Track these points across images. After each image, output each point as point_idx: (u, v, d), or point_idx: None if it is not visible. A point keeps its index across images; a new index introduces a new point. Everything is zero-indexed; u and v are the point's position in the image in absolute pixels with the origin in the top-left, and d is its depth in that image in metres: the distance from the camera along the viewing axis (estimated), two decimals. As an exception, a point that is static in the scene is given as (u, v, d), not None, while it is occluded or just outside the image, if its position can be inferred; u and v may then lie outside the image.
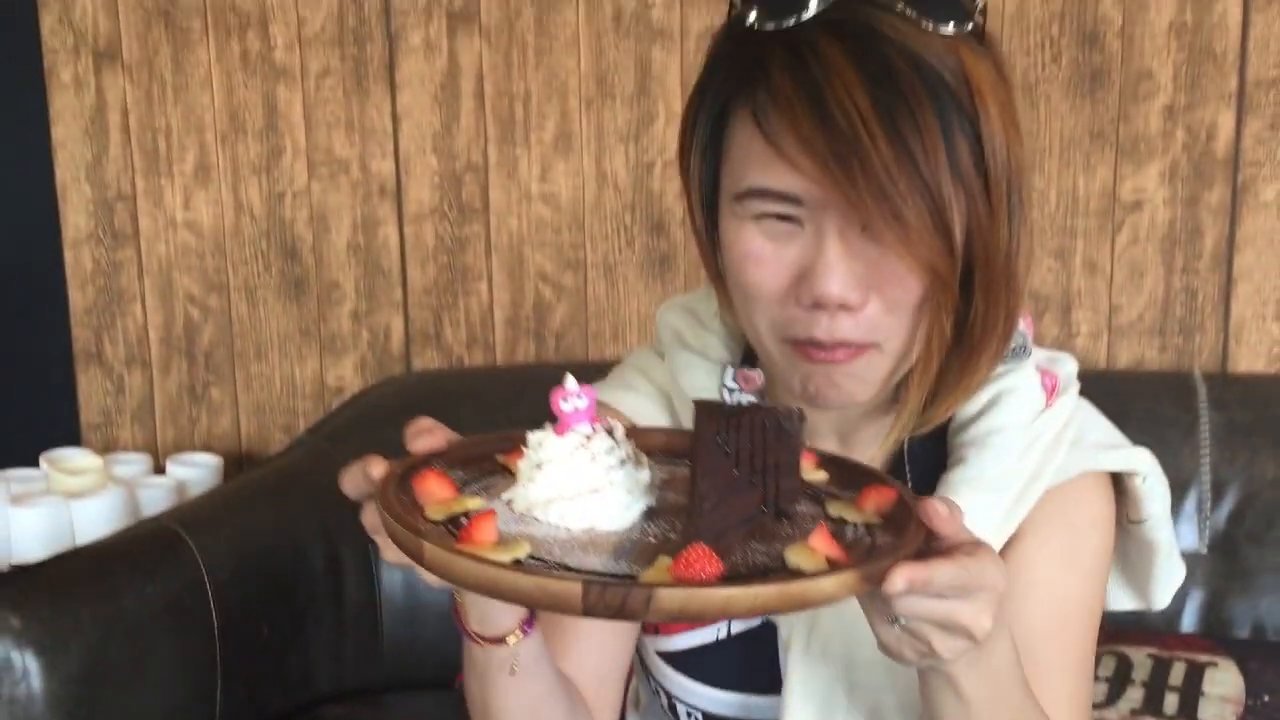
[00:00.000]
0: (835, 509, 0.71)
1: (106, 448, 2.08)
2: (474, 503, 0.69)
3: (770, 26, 0.77)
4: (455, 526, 0.66)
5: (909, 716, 0.85)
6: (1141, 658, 1.27)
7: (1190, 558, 1.45)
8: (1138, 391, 1.55)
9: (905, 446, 0.91)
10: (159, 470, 1.91)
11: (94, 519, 1.63)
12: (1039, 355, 0.91)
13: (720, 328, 0.96)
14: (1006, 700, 0.74)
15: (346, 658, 1.61)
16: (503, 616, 0.79)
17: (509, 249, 1.92)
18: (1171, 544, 0.93)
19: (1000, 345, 0.82)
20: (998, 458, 0.86)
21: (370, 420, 1.74)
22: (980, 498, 0.84)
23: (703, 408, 0.67)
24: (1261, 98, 1.64)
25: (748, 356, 0.95)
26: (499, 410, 1.71)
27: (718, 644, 0.93)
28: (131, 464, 1.86)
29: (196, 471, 1.84)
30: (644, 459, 0.72)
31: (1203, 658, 1.27)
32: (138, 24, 1.97)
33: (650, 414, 0.98)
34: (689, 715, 0.95)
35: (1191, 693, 1.23)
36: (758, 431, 0.67)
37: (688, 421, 0.95)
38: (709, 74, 0.84)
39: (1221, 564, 1.45)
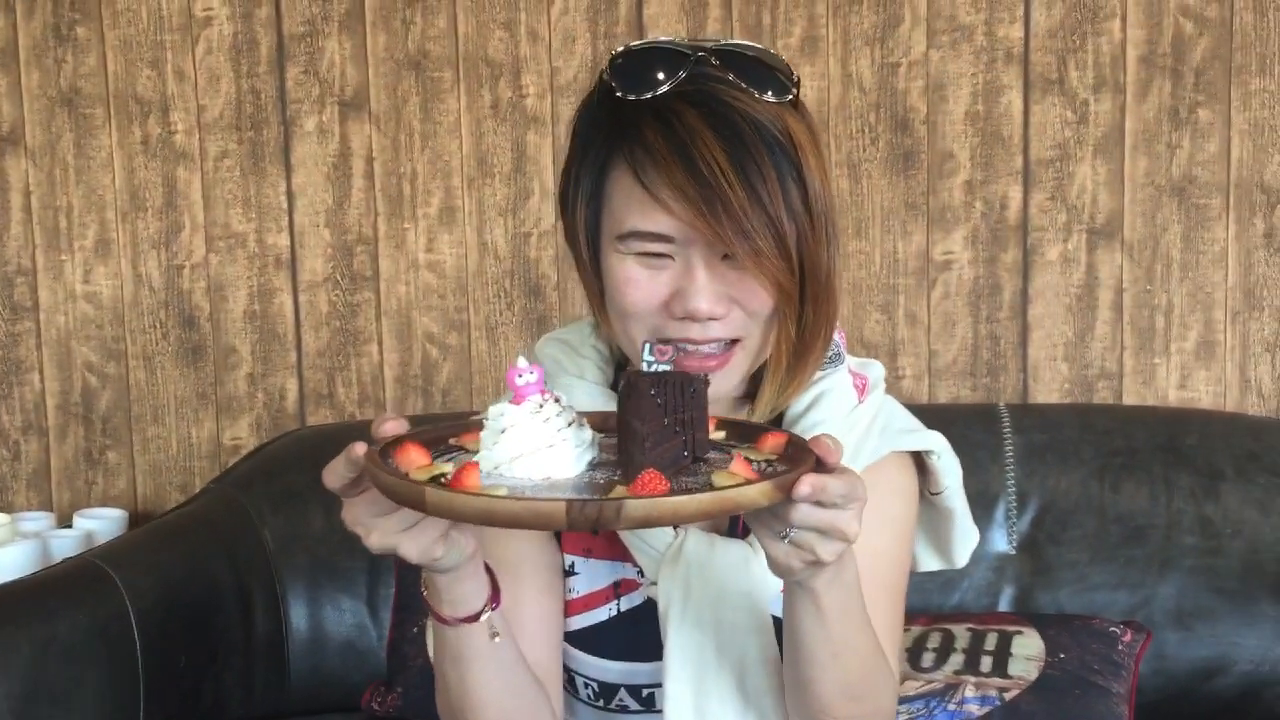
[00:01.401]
0: (740, 452, 0.85)
1: (3, 511, 2.15)
2: (447, 467, 0.80)
3: (637, 96, 0.94)
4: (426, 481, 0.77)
5: (768, 666, 1.02)
6: (961, 631, 1.50)
7: (1001, 558, 1.71)
8: (954, 421, 1.80)
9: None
10: (65, 525, 2.00)
11: (9, 568, 1.72)
12: (851, 362, 1.11)
13: (592, 353, 1.12)
14: (855, 611, 0.93)
15: (256, 686, 1.73)
16: (472, 595, 0.91)
17: (398, 313, 2.09)
18: (965, 512, 1.13)
19: (824, 347, 1.03)
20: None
21: (271, 469, 1.88)
22: None
23: (634, 372, 0.84)
24: (1042, 174, 1.95)
25: (619, 374, 1.12)
26: (393, 458, 1.88)
27: (609, 622, 1.09)
28: (37, 520, 1.95)
29: (103, 524, 1.93)
30: (585, 422, 0.84)
31: (1011, 628, 1.50)
32: (41, 111, 2.11)
33: None
34: (585, 686, 1.10)
35: (1002, 655, 1.46)
36: (678, 390, 0.83)
37: None
38: (587, 135, 0.99)
39: (1028, 562, 1.70)
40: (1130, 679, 1.45)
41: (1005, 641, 1.47)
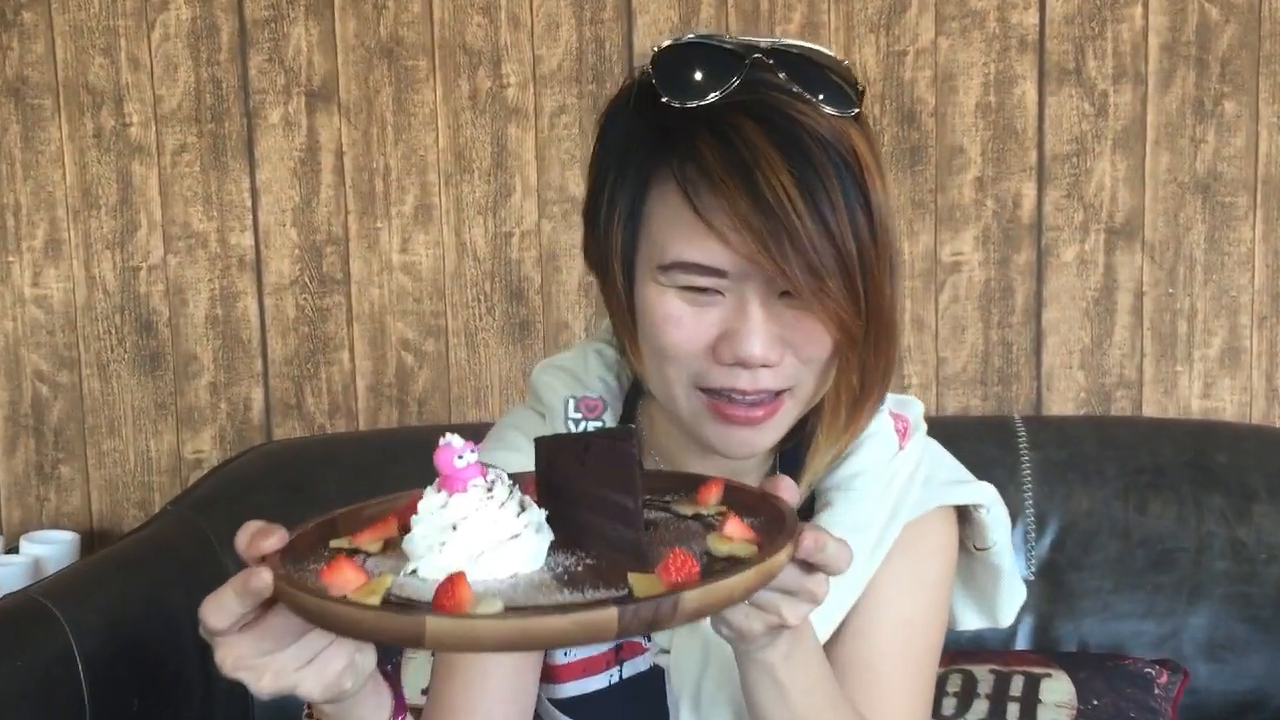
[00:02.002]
0: (683, 507, 0.77)
1: (-53, 531, 2.01)
2: (386, 581, 0.66)
3: (684, 104, 0.82)
4: (402, 605, 0.65)
5: None
6: (984, 673, 1.39)
7: (1019, 584, 1.59)
8: (965, 435, 1.69)
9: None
10: (11, 550, 1.87)
11: (-54, 600, 1.59)
12: (889, 400, 1.00)
13: (599, 385, 1.01)
14: (821, 685, 0.83)
15: (218, 725, 1.60)
16: (372, 715, 0.78)
17: (370, 318, 1.96)
18: (1013, 568, 1.03)
19: (883, 394, 0.92)
20: (861, 500, 0.94)
21: (235, 489, 1.75)
22: (849, 539, 0.91)
23: (600, 439, 0.73)
24: (1057, 170, 1.84)
25: (628, 412, 1.01)
26: (364, 475, 1.75)
27: (608, 689, 0.98)
28: (-20, 544, 1.82)
29: (52, 549, 1.80)
30: (528, 499, 0.73)
31: (1038, 670, 1.39)
32: (-16, 100, 1.97)
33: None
34: None
35: (1030, 701, 1.35)
36: (612, 453, 0.74)
37: None
38: (626, 145, 0.87)
39: (1048, 589, 1.59)
40: (1168, 726, 1.34)
41: (1032, 686, 1.36)
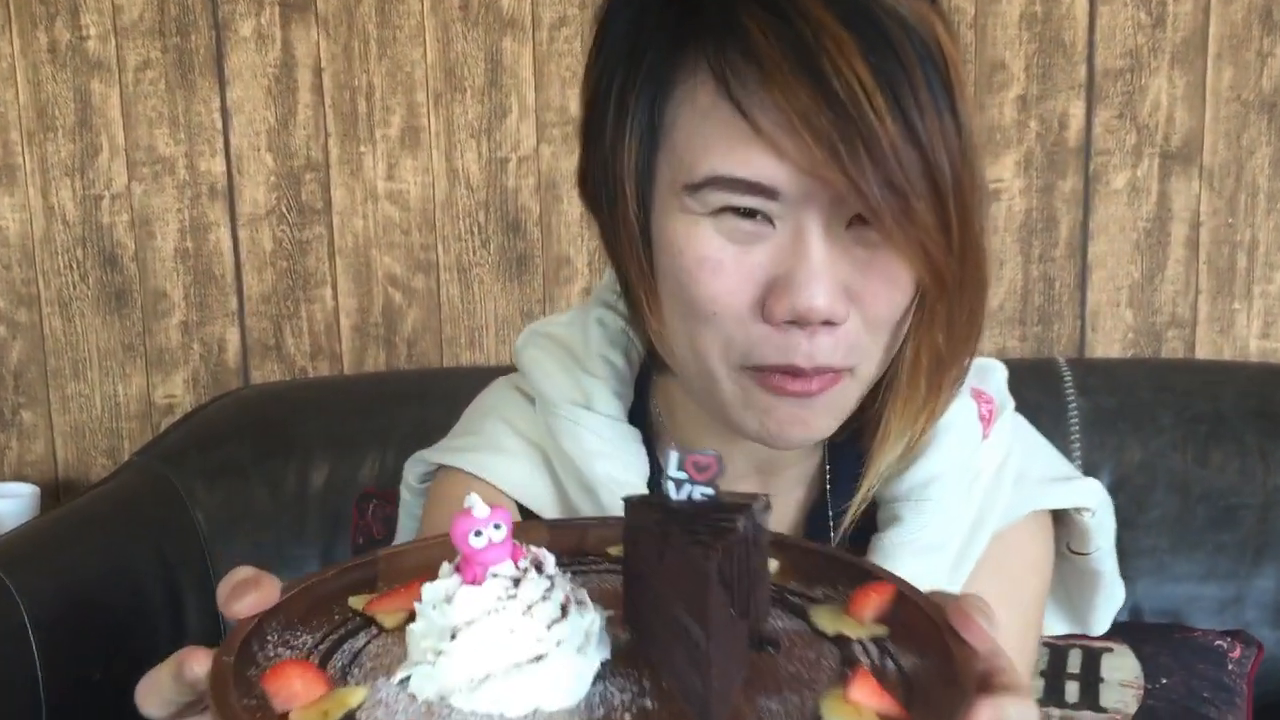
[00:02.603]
0: (825, 620, 0.57)
1: (-99, 482, 1.87)
2: (356, 695, 0.51)
3: None
4: None
5: None
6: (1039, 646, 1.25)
7: (1067, 543, 1.45)
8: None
9: (828, 497, 0.81)
10: (-35, 504, 1.72)
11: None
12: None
13: (603, 367, 0.82)
14: None
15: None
16: None
17: (354, 252, 1.80)
18: (1115, 572, 0.87)
19: (970, 358, 0.73)
20: (936, 512, 0.76)
21: (207, 438, 1.60)
22: (921, 562, 0.75)
23: (680, 535, 0.50)
24: (1109, 87, 1.67)
25: (637, 402, 0.83)
26: (348, 423, 1.61)
27: None
28: (-68, 498, 1.67)
29: (10, 503, 1.66)
30: (582, 593, 0.55)
31: (1098, 644, 1.25)
32: (-73, 11, 1.79)
33: (530, 483, 0.83)
34: None
35: (1091, 680, 1.21)
36: (744, 545, 0.52)
37: (578, 494, 0.81)
38: (639, 30, 0.69)
39: (1096, 548, 1.46)
40: (1245, 706, 1.20)
41: (1093, 662, 1.22)
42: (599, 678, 0.52)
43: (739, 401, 0.70)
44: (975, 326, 0.70)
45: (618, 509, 0.77)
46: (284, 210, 1.80)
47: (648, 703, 0.51)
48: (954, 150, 0.64)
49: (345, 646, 0.55)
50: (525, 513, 0.84)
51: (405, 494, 0.93)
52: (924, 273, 0.66)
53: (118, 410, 1.87)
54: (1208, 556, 1.43)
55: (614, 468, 0.79)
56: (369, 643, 0.56)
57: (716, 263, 0.67)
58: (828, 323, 0.66)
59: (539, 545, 0.56)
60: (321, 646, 0.55)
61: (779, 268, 0.66)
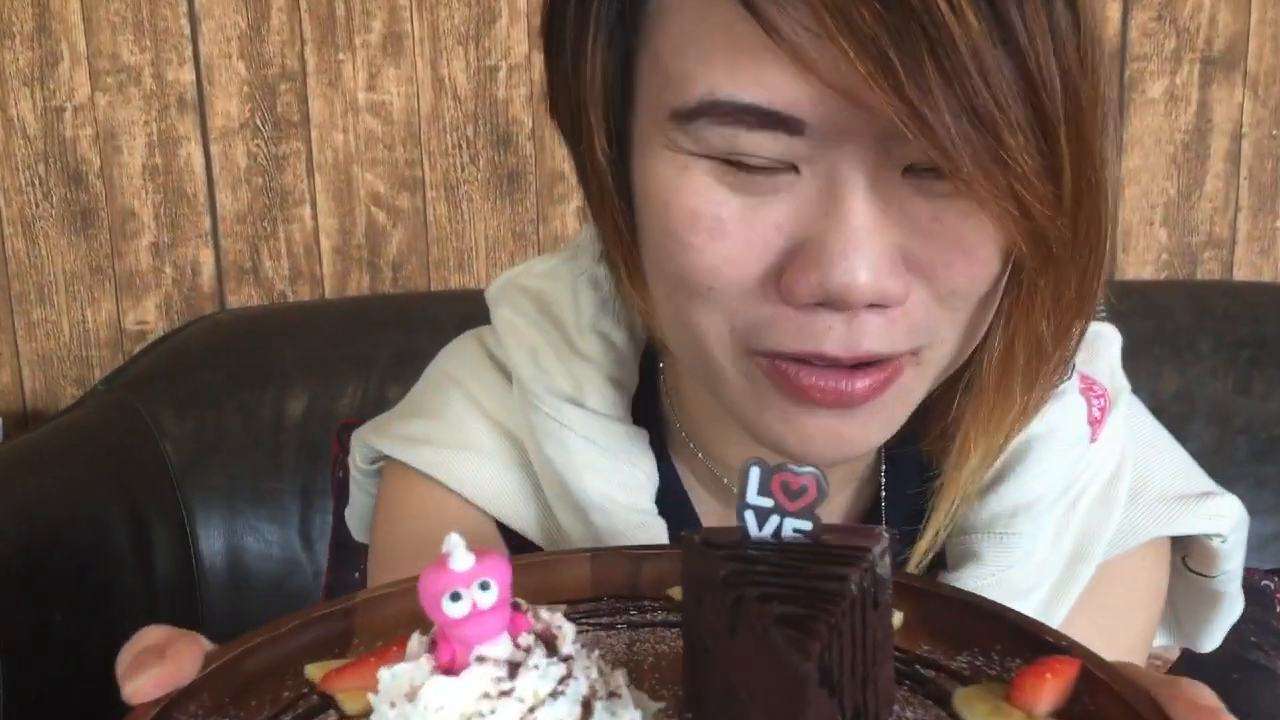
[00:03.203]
0: (977, 713, 0.41)
1: None
2: None
3: None
4: None
5: None
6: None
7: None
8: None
9: (882, 505, 0.66)
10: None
11: None
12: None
13: (597, 345, 0.65)
14: None
15: (161, 641, 1.38)
16: None
17: (334, 168, 1.69)
18: (1238, 591, 0.72)
19: (1076, 345, 0.57)
20: (1028, 550, 0.62)
21: (178, 366, 1.50)
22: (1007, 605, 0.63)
23: (759, 607, 0.35)
24: (1148, -13, 1.55)
25: (644, 388, 0.67)
26: (329, 350, 1.50)
27: None
28: (-113, 429, 1.58)
29: (-32, 434, 1.56)
30: (618, 679, 0.40)
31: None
32: None
33: (504, 490, 0.68)
34: None
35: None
36: (859, 614, 0.37)
37: (565, 512, 0.65)
38: None
39: (1127, 482, 1.36)
40: (1296, 652, 1.11)
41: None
42: None
43: (749, 400, 0.54)
44: (1088, 302, 0.54)
45: (613, 537, 0.62)
46: (258, 123, 1.68)
47: None
48: (1068, 56, 0.47)
49: None
50: (505, 531, 0.69)
51: (355, 471, 0.77)
52: (1021, 237, 0.49)
53: (87, 337, 1.76)
54: (1250, 490, 1.33)
55: (610, 485, 0.63)
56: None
57: (714, 221, 0.50)
58: (877, 304, 0.50)
59: (555, 602, 0.40)
60: None
61: (804, 230, 0.49)
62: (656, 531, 0.64)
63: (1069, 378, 0.60)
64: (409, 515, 0.69)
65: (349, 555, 1.34)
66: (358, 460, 0.76)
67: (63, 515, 1.30)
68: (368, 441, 0.73)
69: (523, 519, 0.67)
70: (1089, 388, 0.65)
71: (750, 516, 0.40)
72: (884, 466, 0.67)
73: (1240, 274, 1.60)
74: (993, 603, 0.46)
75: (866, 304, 0.49)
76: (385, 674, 0.37)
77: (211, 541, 1.42)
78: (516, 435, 0.68)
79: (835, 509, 0.67)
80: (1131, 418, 0.68)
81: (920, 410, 0.57)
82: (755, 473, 0.40)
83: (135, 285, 1.74)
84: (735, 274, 0.51)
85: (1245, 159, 1.57)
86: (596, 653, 0.40)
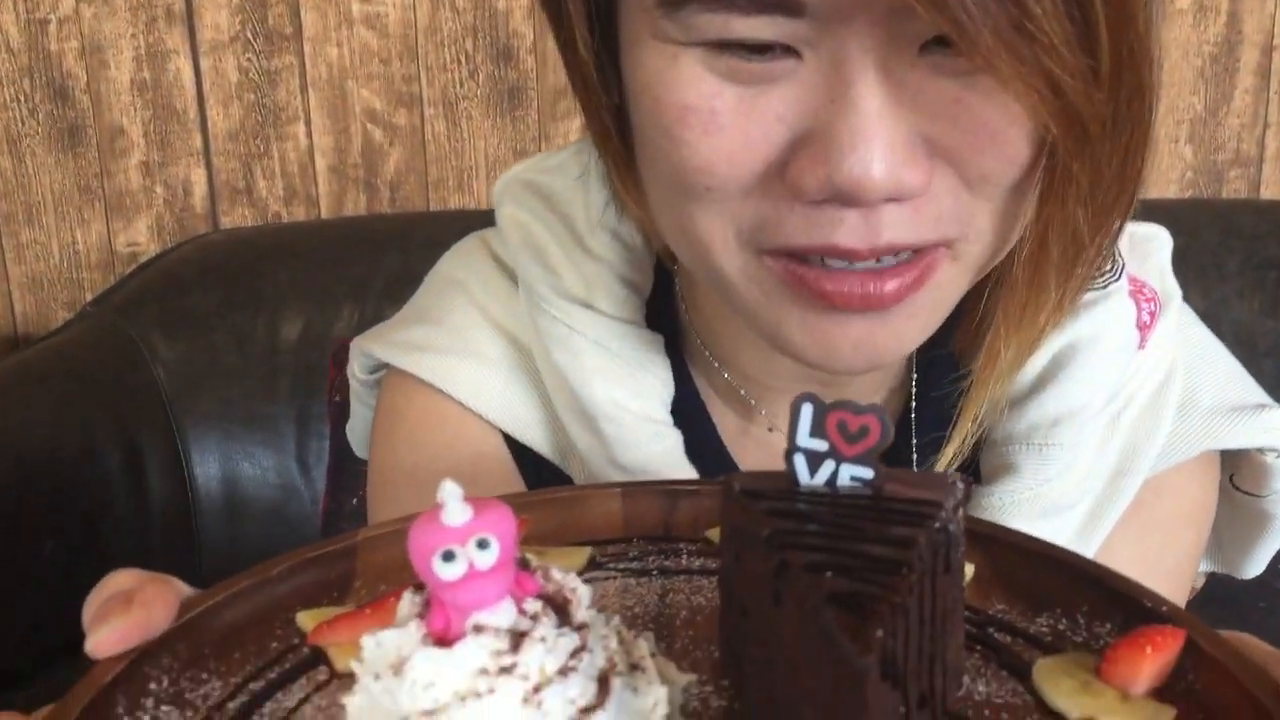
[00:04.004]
0: (1062, 689, 0.36)
1: None
2: None
3: None
4: None
5: None
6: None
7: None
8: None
9: (912, 415, 0.63)
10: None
11: None
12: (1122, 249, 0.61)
13: (609, 245, 0.61)
14: None
15: (155, 568, 1.36)
16: None
17: (329, 83, 1.63)
18: None
19: (1116, 236, 0.52)
20: (1069, 462, 0.58)
21: (169, 288, 1.46)
22: (1040, 527, 0.58)
23: (809, 580, 0.30)
24: (1179, -110, 1.47)
25: (660, 292, 0.62)
26: (324, 272, 1.46)
27: None
28: (-127, 353, 1.54)
29: (-44, 358, 1.52)
30: (641, 649, 0.35)
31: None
32: None
33: (511, 402, 0.64)
34: None
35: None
36: (927, 584, 0.32)
37: (574, 422, 0.62)
38: None
39: (1148, 407, 1.32)
40: (1324, 581, 1.08)
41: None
42: None
43: (764, 308, 0.51)
44: (1129, 187, 0.49)
45: (624, 448, 0.58)
46: (249, 36, 1.62)
47: None
48: None
49: (266, 709, 0.37)
50: (511, 445, 0.65)
51: (354, 383, 0.74)
52: (1051, 117, 0.44)
53: (77, 259, 1.71)
54: (1274, 416, 1.29)
55: (621, 392, 0.60)
56: (303, 703, 0.37)
57: (709, 114, 0.46)
58: (896, 198, 0.45)
59: (581, 542, 0.36)
60: (231, 704, 0.37)
61: (808, 120, 0.45)
62: (672, 444, 0.61)
63: (1117, 279, 0.57)
64: (409, 427, 0.65)
65: (348, 480, 1.31)
66: (356, 371, 0.73)
67: (51, 440, 1.27)
68: (367, 349, 0.69)
69: (530, 431, 0.64)
70: (1138, 291, 0.61)
71: (801, 461, 0.35)
72: (915, 373, 0.63)
73: (1268, 193, 1.55)
74: (1079, 556, 0.41)
75: (883, 198, 0.45)
76: (369, 642, 0.32)
77: (206, 467, 1.39)
78: (523, 342, 0.64)
79: None
80: (1183, 325, 0.64)
81: (953, 310, 0.53)
82: (807, 411, 0.34)
83: (126, 206, 1.69)
84: (733, 172, 0.47)
85: (1276, 73, 1.51)
86: (616, 619, 0.35)
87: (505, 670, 0.30)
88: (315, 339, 1.42)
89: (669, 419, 0.62)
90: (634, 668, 0.34)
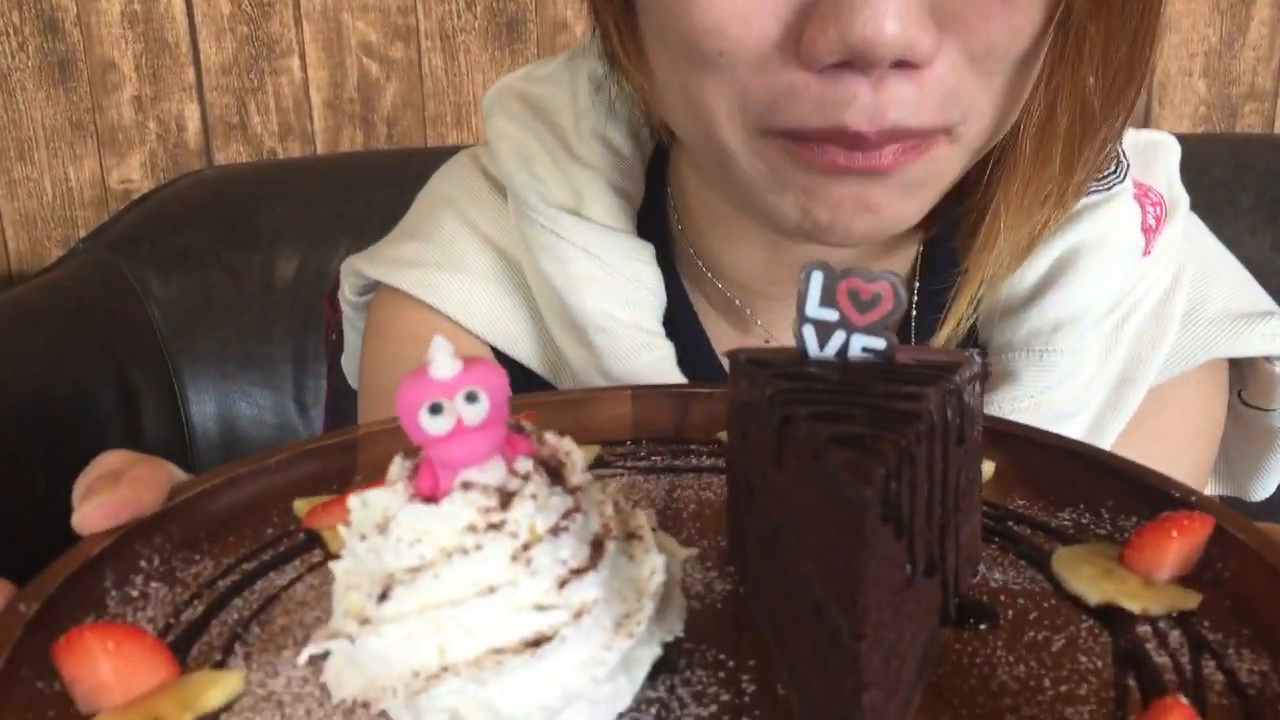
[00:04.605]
0: (1083, 575, 0.35)
1: None
2: (221, 687, 0.31)
3: None
4: None
5: None
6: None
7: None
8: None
9: (914, 313, 0.62)
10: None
11: None
12: (1126, 145, 0.60)
13: (595, 148, 0.60)
14: None
15: (153, 507, 1.35)
16: None
17: (323, 16, 1.59)
18: None
19: (1126, 118, 0.51)
20: (1070, 369, 0.57)
21: (163, 224, 1.44)
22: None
23: (809, 424, 0.28)
24: None
25: (652, 204, 0.61)
26: (320, 208, 1.43)
27: None
28: None
29: (-51, 296, 1.50)
30: (639, 519, 0.34)
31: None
32: None
33: (499, 315, 0.63)
34: None
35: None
36: (938, 448, 0.31)
37: (564, 334, 0.60)
38: None
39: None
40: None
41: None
42: (662, 672, 0.31)
43: (764, 184, 0.50)
44: (1140, 63, 0.49)
45: (615, 359, 0.57)
46: (241, -34, 1.58)
47: (749, 688, 0.30)
48: None
49: (258, 586, 0.37)
50: (504, 362, 0.64)
51: (345, 306, 0.74)
52: None
53: (70, 196, 1.69)
54: (1285, 355, 1.27)
55: (611, 302, 0.59)
56: (295, 581, 0.37)
57: None
58: (904, 64, 0.45)
59: (591, 443, 0.35)
60: (222, 582, 0.36)
61: None
62: (663, 354, 0.60)
63: (1121, 180, 0.55)
64: (398, 342, 0.64)
65: (345, 420, 1.29)
66: (347, 292, 0.72)
67: (45, 378, 1.25)
68: (357, 268, 0.69)
69: (519, 345, 0.63)
70: (1144, 194, 0.59)
71: (810, 332, 0.33)
72: (919, 267, 0.61)
73: (1282, 129, 1.52)
74: (1103, 451, 0.41)
75: (894, 59, 0.44)
76: (355, 502, 0.31)
77: (202, 407, 1.38)
78: (513, 256, 0.63)
79: None
80: (1190, 232, 0.63)
81: (957, 198, 0.52)
82: (818, 278, 0.33)
83: (118, 141, 1.66)
84: (747, 35, 0.46)
85: (1294, 3, 1.47)
86: (613, 485, 0.34)
87: (494, 527, 0.30)
88: (311, 277, 1.40)
89: (660, 329, 0.60)
90: (631, 536, 0.33)
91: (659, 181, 0.63)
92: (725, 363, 0.63)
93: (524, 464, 0.31)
